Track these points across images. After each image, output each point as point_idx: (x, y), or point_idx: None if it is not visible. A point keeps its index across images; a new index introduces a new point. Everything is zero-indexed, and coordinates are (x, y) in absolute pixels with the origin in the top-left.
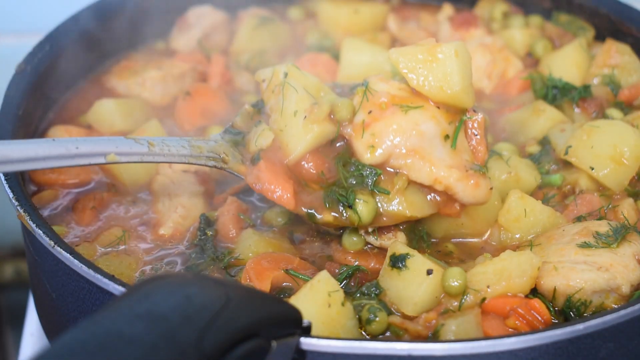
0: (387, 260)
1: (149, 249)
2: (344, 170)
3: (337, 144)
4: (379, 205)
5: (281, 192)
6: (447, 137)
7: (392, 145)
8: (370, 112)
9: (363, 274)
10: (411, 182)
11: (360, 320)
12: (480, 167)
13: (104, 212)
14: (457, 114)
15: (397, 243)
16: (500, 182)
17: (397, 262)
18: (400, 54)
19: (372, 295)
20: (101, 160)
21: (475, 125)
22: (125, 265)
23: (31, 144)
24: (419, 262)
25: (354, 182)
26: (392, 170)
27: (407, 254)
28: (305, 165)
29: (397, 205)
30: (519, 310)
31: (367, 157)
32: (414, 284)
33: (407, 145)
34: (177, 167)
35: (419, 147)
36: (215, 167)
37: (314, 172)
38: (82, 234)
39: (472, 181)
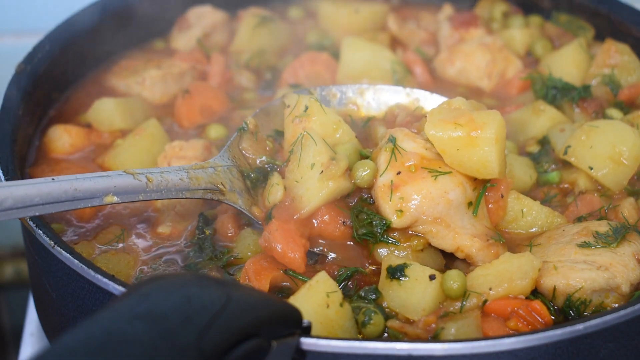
0: (383, 273)
1: (148, 247)
2: (357, 221)
3: (352, 201)
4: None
5: (291, 255)
6: (470, 204)
7: (420, 211)
8: (399, 173)
9: (362, 275)
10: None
11: (357, 322)
12: (500, 237)
13: (103, 210)
14: (482, 181)
15: (390, 255)
16: None
17: (395, 273)
18: (437, 130)
19: (370, 299)
20: (98, 202)
21: (503, 187)
22: (124, 263)
23: (28, 186)
24: (418, 270)
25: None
26: (412, 232)
27: (405, 264)
28: (318, 219)
29: (403, 256)
30: (520, 311)
31: (394, 220)
32: (419, 291)
33: (434, 213)
34: None
35: (446, 215)
36: (212, 199)
37: (326, 228)
38: (81, 232)
39: (492, 251)
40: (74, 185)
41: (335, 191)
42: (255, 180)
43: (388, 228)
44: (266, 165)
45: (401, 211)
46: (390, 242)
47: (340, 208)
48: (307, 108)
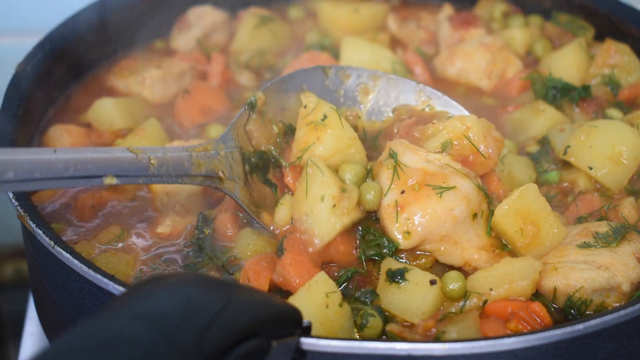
0: (383, 276)
1: (147, 246)
2: (363, 241)
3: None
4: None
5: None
6: (474, 215)
7: (427, 231)
8: (403, 192)
9: (361, 276)
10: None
11: (355, 324)
12: (505, 245)
13: (103, 210)
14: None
15: (389, 259)
16: None
17: (395, 276)
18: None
19: (367, 302)
20: (97, 182)
21: (502, 192)
22: (124, 263)
23: (29, 157)
24: (418, 274)
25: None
26: (420, 251)
27: (404, 268)
28: (332, 249)
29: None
30: (520, 313)
31: (401, 241)
32: (419, 295)
33: (441, 232)
34: None
35: (452, 232)
36: (210, 186)
37: (339, 255)
38: (81, 231)
39: (500, 261)
40: (76, 159)
41: (349, 224)
42: (255, 165)
43: (396, 250)
44: (272, 160)
45: (408, 232)
46: (399, 261)
47: (352, 234)
48: (325, 117)
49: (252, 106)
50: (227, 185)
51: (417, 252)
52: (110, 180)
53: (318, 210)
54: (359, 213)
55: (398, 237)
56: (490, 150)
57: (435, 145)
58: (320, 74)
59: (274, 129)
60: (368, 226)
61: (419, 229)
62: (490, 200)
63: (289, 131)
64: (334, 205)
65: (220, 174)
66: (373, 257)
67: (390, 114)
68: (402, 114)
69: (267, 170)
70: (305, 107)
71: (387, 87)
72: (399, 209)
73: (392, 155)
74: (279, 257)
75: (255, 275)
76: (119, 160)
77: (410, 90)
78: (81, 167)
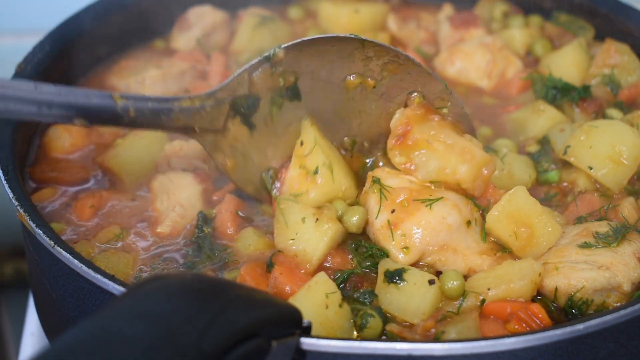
0: (380, 276)
1: (147, 246)
2: (357, 254)
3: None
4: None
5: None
6: (468, 222)
7: (425, 243)
8: (393, 211)
9: (358, 277)
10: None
11: (355, 325)
12: (505, 248)
13: (103, 209)
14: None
15: (386, 260)
16: (493, 179)
17: (393, 277)
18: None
19: (366, 303)
20: (67, 121)
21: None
22: (123, 262)
23: (7, 88)
24: (416, 274)
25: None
26: (423, 264)
27: (403, 269)
28: (326, 262)
29: None
30: (519, 314)
31: (401, 258)
32: (418, 295)
33: (439, 242)
34: (176, 166)
35: (449, 241)
36: (179, 134)
37: (335, 266)
38: (81, 231)
39: (502, 263)
40: (55, 101)
41: (336, 233)
42: (241, 112)
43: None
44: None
45: (407, 248)
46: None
47: (344, 250)
48: (317, 171)
49: (267, 59)
50: (197, 137)
51: (420, 264)
52: (81, 122)
53: (303, 230)
54: (342, 227)
55: (398, 254)
56: (476, 191)
57: (425, 177)
58: (355, 44)
59: (280, 82)
60: (359, 240)
61: (416, 242)
62: (483, 209)
63: (293, 94)
64: (317, 220)
65: (196, 129)
66: (370, 268)
67: (404, 97)
68: (416, 105)
69: (250, 115)
70: (302, 143)
71: (415, 75)
72: (392, 227)
73: (376, 181)
74: (268, 272)
75: (252, 279)
76: (97, 107)
77: (436, 88)
78: (57, 109)
